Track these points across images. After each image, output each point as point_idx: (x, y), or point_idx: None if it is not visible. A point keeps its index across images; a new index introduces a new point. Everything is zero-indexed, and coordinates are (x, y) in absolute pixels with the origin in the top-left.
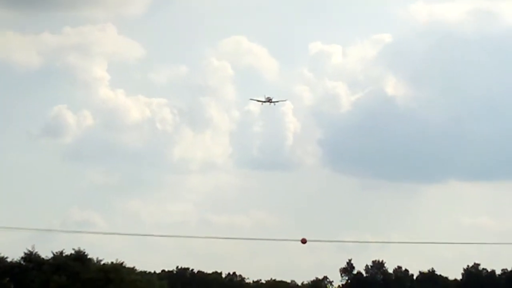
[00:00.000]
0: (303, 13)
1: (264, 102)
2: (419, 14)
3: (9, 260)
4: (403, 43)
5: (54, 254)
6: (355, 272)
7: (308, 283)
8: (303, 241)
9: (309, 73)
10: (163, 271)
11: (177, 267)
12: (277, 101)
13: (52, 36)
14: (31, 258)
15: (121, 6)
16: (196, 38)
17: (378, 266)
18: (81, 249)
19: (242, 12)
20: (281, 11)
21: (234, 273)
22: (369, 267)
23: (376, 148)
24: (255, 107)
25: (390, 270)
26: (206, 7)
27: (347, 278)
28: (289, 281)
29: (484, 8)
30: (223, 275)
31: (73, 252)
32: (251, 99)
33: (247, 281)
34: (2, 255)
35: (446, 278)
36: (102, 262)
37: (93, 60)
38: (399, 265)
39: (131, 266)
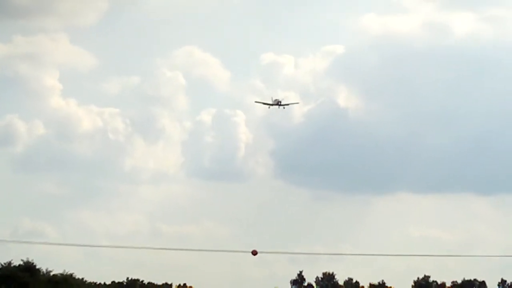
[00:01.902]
0: (256, 24)
1: (272, 105)
2: (371, 26)
3: None
4: (355, 55)
5: (2, 265)
6: (305, 283)
7: None
8: (254, 253)
9: (261, 84)
10: (113, 282)
11: (127, 278)
12: (287, 104)
13: (2, 44)
14: None
15: (74, 16)
16: (148, 48)
17: (328, 278)
18: (30, 259)
19: (195, 22)
20: (234, 21)
21: (184, 284)
22: (320, 279)
23: (327, 160)
24: (207, 117)
25: (341, 282)
26: (158, 18)
27: None
28: None
29: (436, 21)
30: (174, 286)
31: (21, 263)
32: (256, 102)
33: None
34: None
35: None
36: (51, 273)
37: (45, 70)
38: (350, 277)
39: (81, 277)
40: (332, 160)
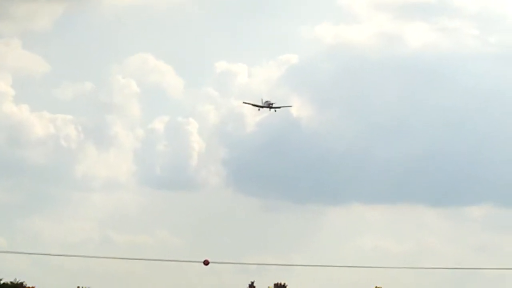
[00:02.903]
0: (210, 32)
1: (262, 107)
2: (325, 36)
3: None
4: (309, 65)
5: None
6: None
7: None
8: (206, 263)
9: (215, 92)
10: None
11: (78, 287)
12: (278, 107)
13: None
14: None
15: (27, 21)
16: (102, 54)
17: None
18: None
19: (149, 30)
20: (188, 29)
21: None
22: None
23: (280, 170)
24: (160, 125)
25: None
26: (112, 24)
27: None
28: None
29: (389, 31)
30: None
31: None
32: (244, 103)
33: None
34: None
35: None
36: (1, 281)
37: None
38: (302, 287)
39: (31, 285)
40: (284, 170)
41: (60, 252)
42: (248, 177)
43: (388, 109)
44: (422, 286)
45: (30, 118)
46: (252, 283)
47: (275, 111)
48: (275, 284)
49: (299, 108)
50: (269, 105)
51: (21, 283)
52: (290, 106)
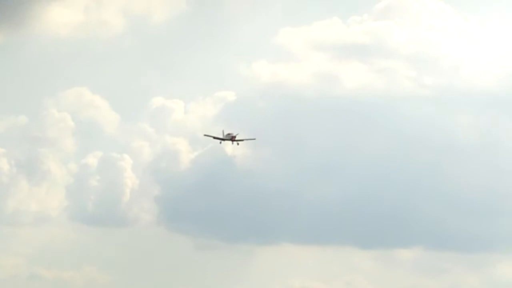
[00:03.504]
0: (147, 67)
1: (224, 140)
2: (262, 74)
3: None
4: (246, 102)
5: None
6: None
7: None
8: None
9: (150, 128)
10: None
11: None
12: (241, 140)
13: None
14: None
15: None
16: (37, 87)
17: None
18: None
19: (85, 64)
20: (125, 64)
21: None
22: None
23: (212, 208)
24: (93, 160)
25: None
26: (48, 57)
27: None
28: None
29: (326, 71)
30: None
31: None
32: (205, 135)
33: None
34: None
35: None
36: None
37: None
38: None
39: None
40: (217, 208)
41: None
42: (181, 215)
43: (322, 150)
44: None
45: None
46: None
47: (238, 144)
48: None
49: (233, 146)
50: (231, 138)
51: None
52: (254, 139)
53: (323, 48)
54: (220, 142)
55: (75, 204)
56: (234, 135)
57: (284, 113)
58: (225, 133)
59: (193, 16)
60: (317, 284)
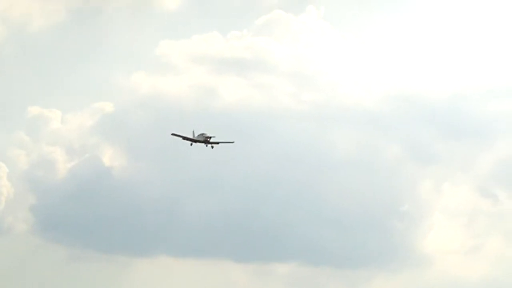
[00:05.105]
0: (24, 76)
1: (196, 141)
2: (140, 85)
3: None
4: (124, 114)
5: None
6: None
7: None
8: None
9: (26, 137)
10: None
11: None
12: (216, 143)
13: None
14: None
15: None
16: None
17: None
18: None
19: None
20: (1, 71)
21: None
22: None
23: (89, 218)
24: None
25: None
26: None
27: None
28: None
29: (205, 84)
30: None
31: None
32: (173, 134)
33: None
34: None
35: None
36: None
37: None
38: None
39: None
40: (93, 219)
41: None
42: (56, 225)
43: (199, 163)
44: None
45: None
46: None
47: (212, 147)
48: None
49: (111, 157)
50: (205, 139)
51: None
52: (232, 142)
53: (202, 62)
54: (191, 144)
55: None
56: (208, 136)
57: (161, 125)
58: (196, 134)
59: (72, 25)
60: None
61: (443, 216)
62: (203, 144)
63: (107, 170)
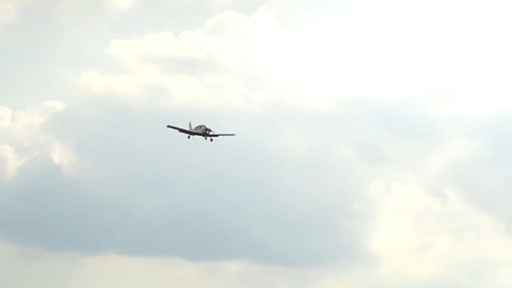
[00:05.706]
0: None
1: (195, 134)
2: (91, 84)
3: None
4: (74, 112)
5: None
6: None
7: None
8: None
9: None
10: None
11: None
12: (216, 135)
13: None
14: None
15: None
16: None
17: None
18: None
19: None
20: None
21: None
22: None
23: (37, 215)
24: None
25: None
26: None
27: None
28: None
29: (156, 84)
30: None
31: None
32: (169, 126)
33: None
34: None
35: None
36: None
37: None
38: None
39: None
40: (43, 216)
41: None
42: (6, 222)
43: (151, 161)
44: None
45: None
46: None
47: (212, 140)
48: None
49: (61, 155)
50: (204, 132)
51: None
52: (233, 135)
53: (154, 61)
54: (189, 137)
55: None
56: (207, 128)
57: (112, 124)
58: (192, 126)
59: (23, 24)
60: None
61: (393, 215)
62: (201, 137)
63: (57, 168)
